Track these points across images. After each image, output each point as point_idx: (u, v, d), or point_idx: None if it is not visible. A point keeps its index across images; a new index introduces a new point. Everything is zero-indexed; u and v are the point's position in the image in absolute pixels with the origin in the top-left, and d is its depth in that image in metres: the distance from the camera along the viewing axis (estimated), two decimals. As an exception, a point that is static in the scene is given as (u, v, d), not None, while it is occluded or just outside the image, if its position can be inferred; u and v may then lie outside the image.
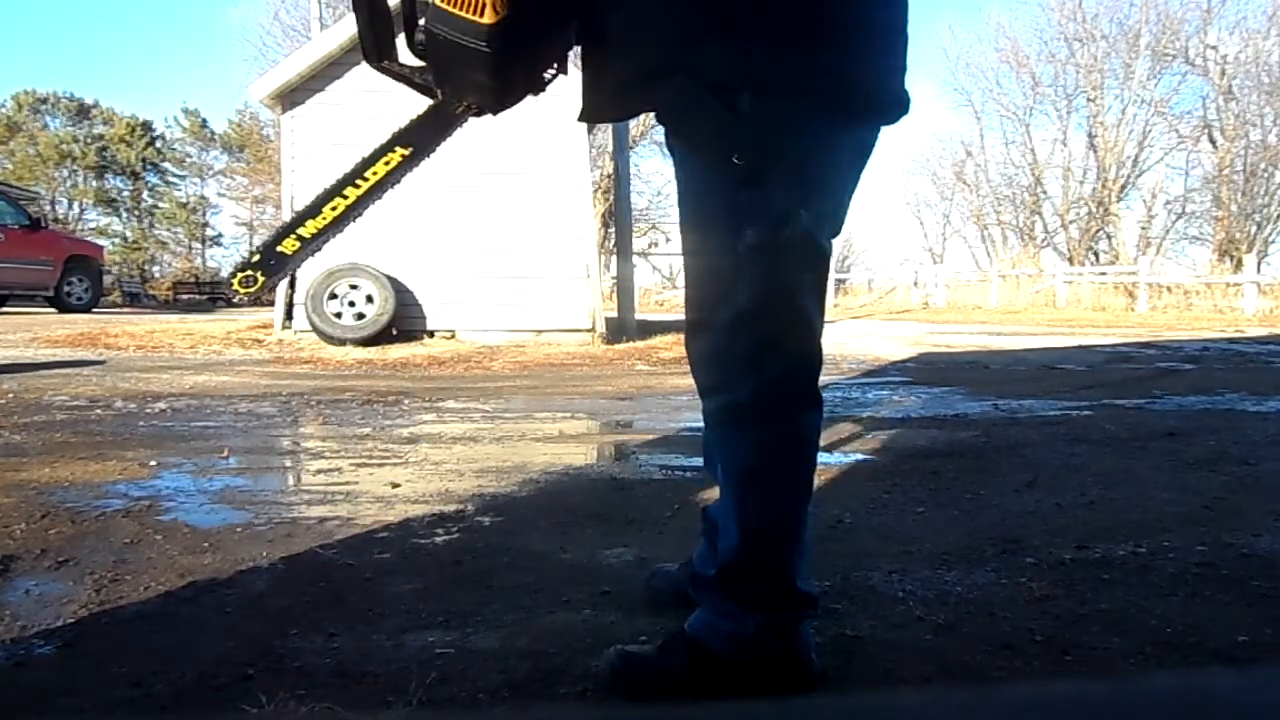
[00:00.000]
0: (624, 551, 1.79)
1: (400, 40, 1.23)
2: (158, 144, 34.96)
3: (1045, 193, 26.43)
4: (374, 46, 1.20)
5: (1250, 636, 1.36)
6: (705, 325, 1.18)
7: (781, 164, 1.10)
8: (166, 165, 35.37)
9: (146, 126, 34.45)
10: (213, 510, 2.10)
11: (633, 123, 14.83)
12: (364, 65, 1.26)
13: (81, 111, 33.66)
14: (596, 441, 3.24)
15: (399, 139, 1.24)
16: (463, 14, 1.06)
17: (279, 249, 1.22)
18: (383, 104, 7.13)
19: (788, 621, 1.17)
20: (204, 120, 35.09)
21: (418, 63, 1.21)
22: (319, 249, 1.24)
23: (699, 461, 2.77)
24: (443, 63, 1.15)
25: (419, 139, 1.24)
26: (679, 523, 2.01)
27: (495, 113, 1.22)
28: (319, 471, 2.59)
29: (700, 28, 1.08)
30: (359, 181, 1.24)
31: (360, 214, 1.25)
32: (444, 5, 1.07)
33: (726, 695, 1.14)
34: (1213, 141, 23.57)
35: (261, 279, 1.21)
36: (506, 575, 1.64)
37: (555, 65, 1.21)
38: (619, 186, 9.03)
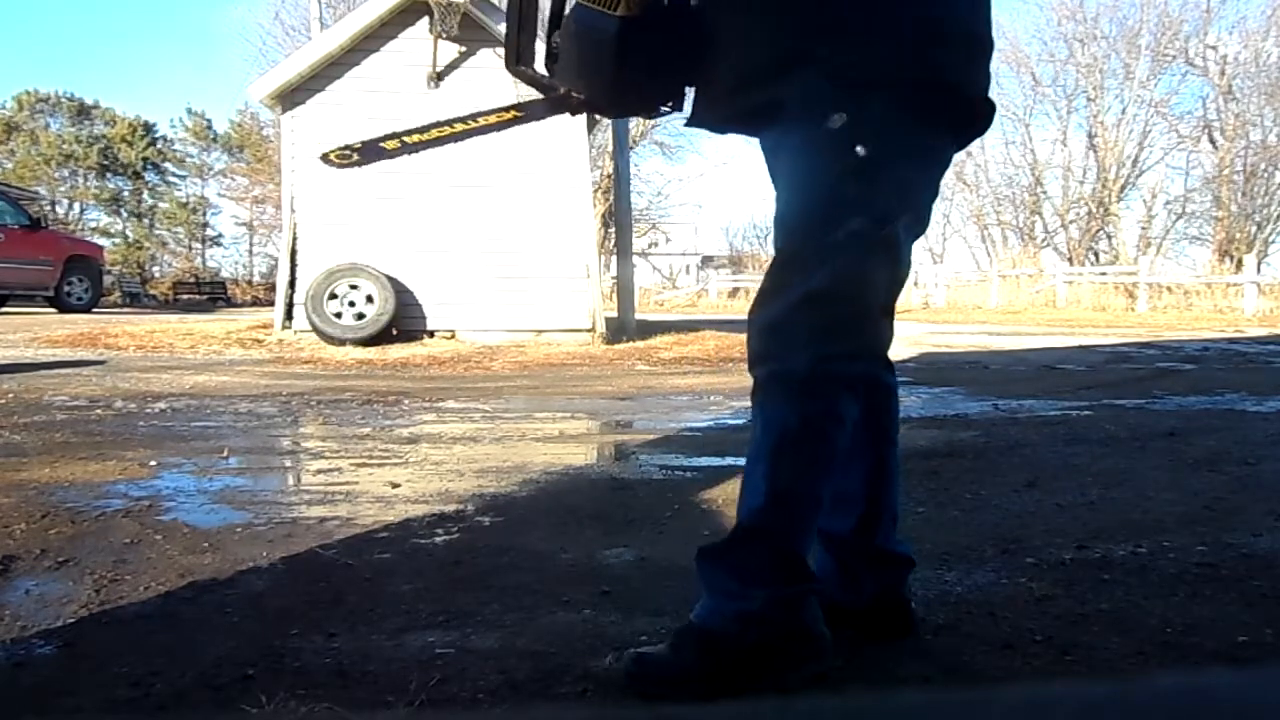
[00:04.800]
0: (624, 551, 1.79)
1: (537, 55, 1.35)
2: (158, 144, 34.94)
3: (1045, 193, 26.44)
4: (515, 51, 1.30)
5: (1250, 636, 1.36)
6: (775, 294, 1.20)
7: (894, 165, 1.16)
8: (167, 165, 35.32)
9: (147, 127, 34.43)
10: (213, 510, 2.10)
11: (633, 123, 14.81)
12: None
13: (82, 112, 33.61)
14: (596, 441, 3.24)
15: (517, 105, 1.35)
16: (598, 7, 1.19)
17: (381, 144, 1.37)
18: (383, 104, 7.22)
19: (793, 596, 1.17)
20: (209, 122, 35.12)
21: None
22: (414, 152, 1.38)
23: (699, 461, 2.79)
24: (571, 56, 1.26)
25: (533, 109, 1.35)
26: (679, 523, 2.01)
27: (609, 114, 1.40)
28: (319, 471, 2.59)
29: (837, 20, 1.14)
30: (469, 121, 1.35)
31: (458, 140, 1.38)
32: (584, 1, 1.20)
33: (743, 684, 1.14)
34: (1213, 141, 23.57)
35: (357, 158, 1.36)
36: (506, 575, 1.64)
37: (671, 102, 1.31)
38: (619, 186, 9.03)
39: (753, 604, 1.16)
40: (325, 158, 1.39)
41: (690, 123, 1.29)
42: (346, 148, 1.37)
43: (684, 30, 1.22)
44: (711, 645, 1.17)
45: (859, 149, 1.13)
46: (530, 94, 1.34)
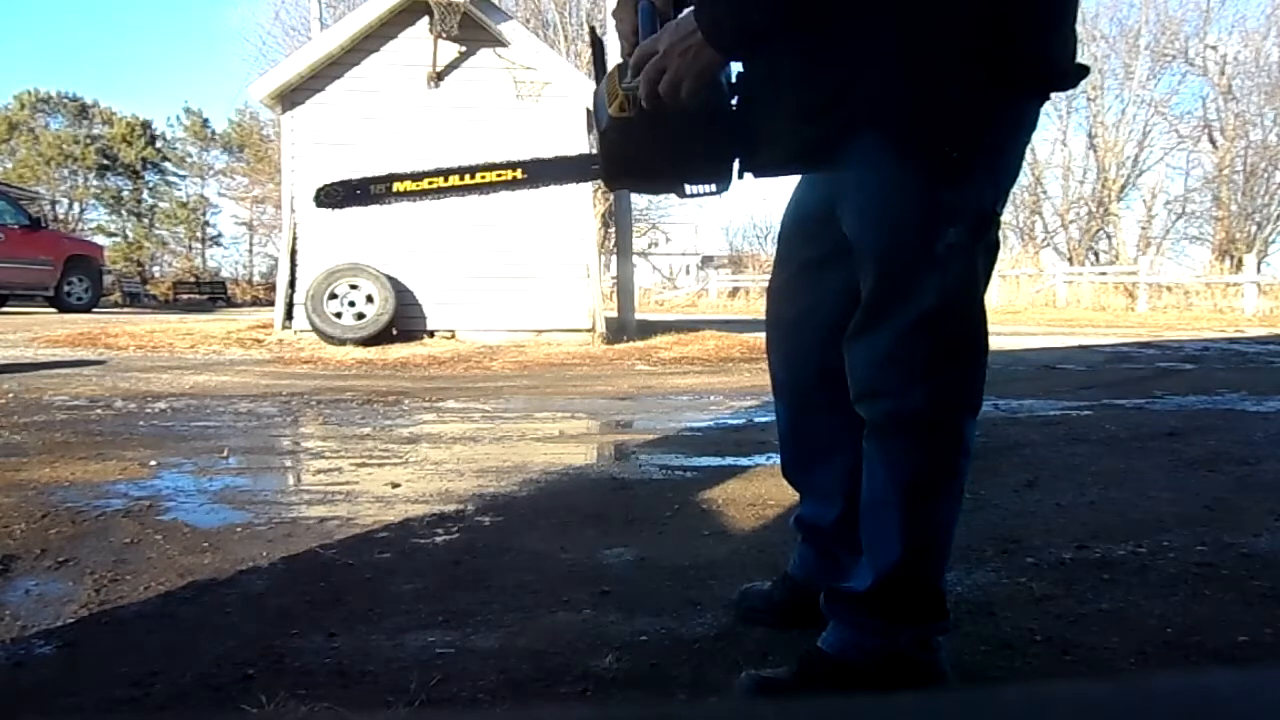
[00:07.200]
0: (624, 551, 1.79)
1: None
2: (158, 144, 34.93)
3: (1045, 193, 26.40)
4: (594, 75, 1.32)
5: (1250, 636, 1.36)
6: (880, 320, 1.11)
7: (987, 157, 1.07)
8: (167, 165, 35.29)
9: (147, 126, 34.42)
10: (213, 510, 2.10)
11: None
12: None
13: (82, 111, 33.61)
14: (596, 441, 3.24)
15: (522, 164, 1.34)
16: (605, 95, 1.21)
17: (371, 187, 1.39)
18: (383, 104, 7.22)
19: (935, 633, 1.15)
20: (205, 120, 35.09)
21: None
22: (398, 202, 1.39)
23: (699, 461, 2.79)
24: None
25: (542, 172, 1.35)
26: (679, 522, 2.01)
27: (609, 186, 1.42)
28: (319, 471, 2.59)
29: (905, 22, 1.04)
30: (468, 177, 1.35)
31: (447, 197, 1.38)
32: (601, 88, 1.23)
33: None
34: (1213, 141, 23.56)
35: (342, 195, 1.38)
36: (506, 575, 1.64)
37: (707, 182, 1.24)
38: (619, 186, 9.01)
39: (898, 642, 1.13)
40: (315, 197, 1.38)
41: (749, 170, 1.17)
42: (334, 185, 1.39)
43: (682, 129, 1.13)
44: (845, 678, 1.13)
45: (950, 149, 1.04)
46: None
